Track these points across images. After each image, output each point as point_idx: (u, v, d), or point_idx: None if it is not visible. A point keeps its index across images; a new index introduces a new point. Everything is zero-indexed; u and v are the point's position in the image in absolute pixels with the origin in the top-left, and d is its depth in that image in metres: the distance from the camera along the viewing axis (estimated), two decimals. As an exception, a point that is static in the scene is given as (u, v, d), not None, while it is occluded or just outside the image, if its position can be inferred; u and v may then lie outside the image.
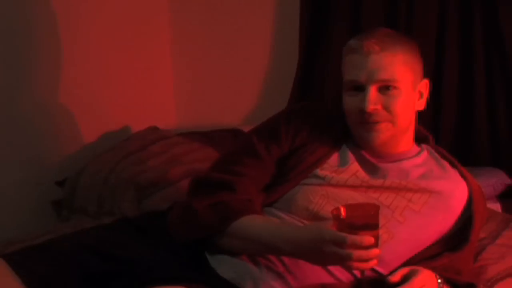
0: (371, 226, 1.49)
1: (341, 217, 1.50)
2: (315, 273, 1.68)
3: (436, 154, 1.86)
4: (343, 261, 1.50)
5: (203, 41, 3.17)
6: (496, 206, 2.45)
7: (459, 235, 1.77)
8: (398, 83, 1.72)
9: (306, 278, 1.69)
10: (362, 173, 1.78)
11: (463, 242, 1.76)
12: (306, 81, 2.95)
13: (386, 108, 1.72)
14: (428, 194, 1.76)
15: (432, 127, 2.65)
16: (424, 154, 1.84)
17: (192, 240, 1.71)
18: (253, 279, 1.68)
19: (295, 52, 2.94)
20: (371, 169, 1.79)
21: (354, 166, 1.78)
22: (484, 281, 1.85)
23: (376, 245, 1.49)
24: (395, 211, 1.74)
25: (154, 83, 3.13)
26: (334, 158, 1.79)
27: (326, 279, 1.70)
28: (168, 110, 3.19)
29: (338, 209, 1.51)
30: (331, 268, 1.69)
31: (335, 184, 1.75)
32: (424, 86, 1.81)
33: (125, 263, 1.66)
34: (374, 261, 1.50)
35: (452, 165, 1.84)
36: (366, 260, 1.49)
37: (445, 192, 1.77)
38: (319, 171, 1.77)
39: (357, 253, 1.47)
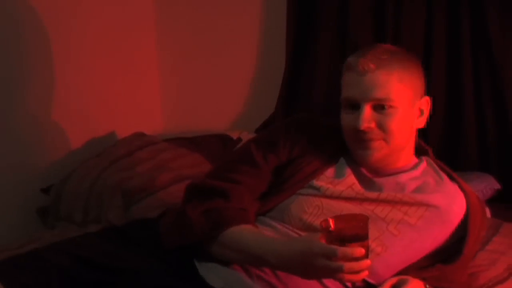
0: (361, 237, 1.48)
1: (330, 229, 1.49)
2: (307, 284, 1.66)
3: (436, 166, 1.85)
4: (335, 273, 1.49)
5: (189, 46, 3.16)
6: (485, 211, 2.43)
7: (453, 248, 1.76)
8: (394, 102, 1.71)
9: (297, 287, 1.66)
10: (357, 186, 1.77)
11: (456, 255, 1.75)
12: (294, 86, 2.94)
13: (380, 126, 1.72)
14: (425, 208, 1.75)
15: (419, 131, 2.63)
16: (423, 166, 1.83)
17: (182, 246, 1.70)
18: (243, 287, 1.66)
19: (282, 56, 2.93)
20: (367, 183, 1.79)
21: (350, 179, 1.78)
22: None
23: (366, 255, 1.48)
24: (390, 223, 1.73)
25: (140, 88, 3.12)
26: (330, 171, 1.79)
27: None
28: (155, 115, 3.18)
29: (326, 221, 1.50)
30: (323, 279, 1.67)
31: (330, 195, 1.75)
32: (424, 103, 1.80)
33: (113, 272, 1.64)
34: (366, 272, 1.49)
35: (451, 178, 1.83)
36: (358, 272, 1.48)
37: (443, 206, 1.76)
38: (315, 182, 1.77)
39: (348, 265, 1.46)
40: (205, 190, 1.75)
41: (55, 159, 2.76)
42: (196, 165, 2.60)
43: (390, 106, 1.71)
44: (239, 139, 2.83)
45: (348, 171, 1.79)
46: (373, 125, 1.71)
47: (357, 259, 1.46)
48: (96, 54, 2.89)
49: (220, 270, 1.68)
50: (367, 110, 1.70)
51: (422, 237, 1.74)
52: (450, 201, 1.78)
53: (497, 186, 2.50)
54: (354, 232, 1.48)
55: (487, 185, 2.48)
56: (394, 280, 1.67)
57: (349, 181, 1.77)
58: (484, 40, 2.64)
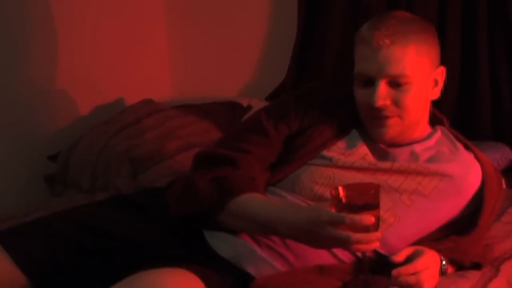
0: (372, 206, 1.45)
1: (340, 197, 1.46)
2: (317, 253, 1.64)
3: (451, 136, 1.82)
4: (342, 243, 1.47)
5: (199, 11, 3.13)
6: (500, 182, 2.39)
7: (468, 220, 1.73)
8: (410, 78, 1.68)
9: (308, 257, 1.65)
10: (370, 157, 1.75)
11: (471, 227, 1.72)
12: (305, 53, 2.90)
13: (396, 103, 1.69)
14: (439, 178, 1.73)
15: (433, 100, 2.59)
16: (437, 135, 1.81)
17: (190, 214, 1.68)
18: (253, 258, 1.65)
19: (293, 23, 2.90)
20: (380, 153, 1.76)
21: (363, 149, 1.75)
22: (490, 260, 1.81)
23: (377, 226, 1.45)
24: (403, 194, 1.70)
25: (149, 54, 3.09)
26: (342, 142, 1.76)
27: (328, 259, 1.67)
28: (163, 82, 3.15)
29: (336, 189, 1.47)
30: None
31: (341, 166, 1.72)
32: (440, 73, 1.77)
33: (120, 241, 1.64)
34: (376, 243, 1.47)
35: (466, 147, 1.80)
36: (367, 242, 1.45)
37: (457, 176, 1.73)
38: (326, 152, 1.74)
39: (357, 235, 1.44)
40: (214, 159, 1.73)
41: (62, 126, 2.75)
42: (205, 133, 2.58)
43: (406, 83, 1.67)
44: (249, 107, 2.80)
45: (360, 142, 1.76)
46: (388, 102, 1.68)
47: (367, 228, 1.43)
48: (102, 18, 2.87)
49: (229, 240, 1.67)
50: (382, 87, 1.67)
51: (437, 208, 1.72)
52: (466, 171, 1.75)
53: (512, 156, 2.45)
54: (364, 201, 1.45)
55: (502, 155, 2.44)
56: (410, 250, 1.63)
57: (362, 152, 1.74)
58: (501, 3, 2.58)
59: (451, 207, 1.73)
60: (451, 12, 2.64)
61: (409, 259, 1.62)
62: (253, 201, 1.63)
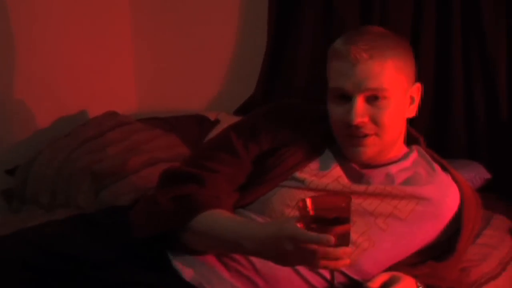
0: (342, 220, 1.39)
1: (308, 209, 1.39)
2: (287, 278, 1.59)
3: (427, 156, 1.78)
4: (308, 260, 1.41)
5: (166, 20, 3.10)
6: (475, 202, 2.35)
7: (445, 244, 1.70)
8: (388, 93, 1.64)
9: (278, 283, 1.60)
10: (344, 179, 1.70)
11: (449, 252, 1.68)
12: (275, 66, 2.87)
13: (374, 120, 1.64)
14: (416, 201, 1.68)
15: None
16: (413, 156, 1.76)
17: (154, 235, 1.62)
18: (220, 283, 1.59)
19: (263, 35, 2.87)
20: (355, 175, 1.71)
21: (336, 171, 1.70)
22: (467, 285, 1.78)
23: (347, 242, 1.39)
24: (378, 217, 1.66)
25: (114, 64, 3.05)
26: (315, 162, 1.71)
27: (298, 284, 1.61)
28: (128, 93, 3.12)
29: (304, 201, 1.40)
30: (303, 272, 1.60)
31: (314, 188, 1.66)
32: (416, 90, 1.74)
33: (81, 265, 1.58)
34: (346, 261, 1.40)
35: (443, 168, 1.76)
36: (334, 258, 1.38)
37: (435, 199, 1.69)
38: (299, 174, 1.68)
39: (323, 249, 1.37)
40: (179, 177, 1.68)
41: (20, 138, 2.70)
42: (171, 147, 2.55)
43: (384, 97, 1.63)
44: (217, 121, 2.77)
45: (334, 163, 1.71)
46: (366, 119, 1.64)
47: (334, 245, 1.37)
48: (65, 23, 2.82)
49: (195, 263, 1.61)
50: (359, 103, 1.63)
51: (413, 232, 1.67)
52: (443, 194, 1.71)
53: (487, 175, 2.43)
54: (334, 214, 1.38)
55: (477, 174, 2.41)
56: (385, 276, 1.59)
57: (335, 174, 1.70)
58: (475, 21, 2.56)
59: (427, 231, 1.69)
60: (425, 25, 2.61)
61: (384, 286, 1.57)
62: (217, 218, 1.58)
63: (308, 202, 1.40)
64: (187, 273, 1.59)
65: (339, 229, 1.37)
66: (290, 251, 1.41)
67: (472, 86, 2.58)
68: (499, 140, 2.54)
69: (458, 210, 1.70)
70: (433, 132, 2.61)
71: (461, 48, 2.57)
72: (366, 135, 1.65)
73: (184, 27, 3.06)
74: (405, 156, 1.74)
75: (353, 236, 1.55)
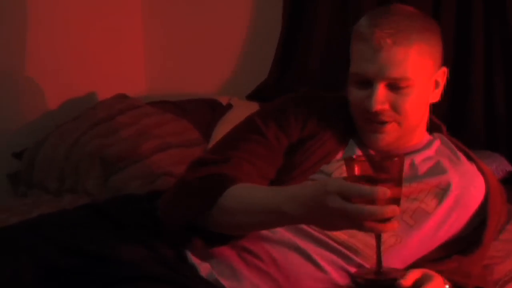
0: (394, 181, 1.29)
1: (355, 168, 1.29)
2: (309, 273, 1.53)
3: (451, 145, 1.73)
4: (353, 219, 1.28)
5: (178, 0, 3.07)
6: (496, 195, 2.30)
7: (471, 237, 1.64)
8: (411, 81, 1.58)
9: (299, 280, 1.54)
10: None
11: (475, 245, 1.63)
12: (289, 50, 2.83)
13: (394, 108, 1.59)
14: (442, 193, 1.63)
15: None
16: (436, 144, 1.71)
17: (185, 222, 1.52)
18: (238, 279, 1.53)
19: (278, 17, 2.84)
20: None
21: None
22: (491, 283, 1.72)
23: (397, 204, 1.28)
24: (404, 212, 1.59)
25: (123, 46, 3.03)
26: (341, 154, 1.65)
27: (320, 279, 1.55)
28: (138, 76, 3.09)
29: (351, 159, 1.31)
30: (327, 267, 1.54)
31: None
32: (441, 74, 1.67)
33: (94, 259, 1.51)
34: (394, 224, 1.30)
35: (468, 157, 1.71)
36: (383, 220, 1.28)
37: (460, 189, 1.64)
38: (328, 167, 1.62)
39: (370, 208, 1.26)
40: (207, 161, 1.59)
41: (28, 120, 2.69)
42: (182, 133, 2.53)
43: (407, 86, 1.58)
44: (229, 105, 2.73)
45: (358, 153, 1.65)
46: (386, 106, 1.58)
47: (382, 201, 1.25)
48: (76, 9, 2.80)
49: (212, 259, 1.55)
50: (381, 90, 1.57)
51: (440, 225, 1.62)
52: (468, 183, 1.65)
53: (509, 167, 2.38)
54: (384, 175, 1.28)
55: (498, 165, 2.36)
56: (418, 274, 1.51)
57: None
58: (498, 7, 2.50)
59: (453, 223, 1.63)
60: (446, 6, 2.56)
61: (416, 284, 1.49)
62: (250, 189, 1.49)
63: (357, 160, 1.32)
64: (204, 269, 1.54)
65: (391, 191, 1.26)
66: (336, 209, 1.29)
67: (492, 76, 2.53)
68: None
69: (484, 201, 1.65)
70: (451, 123, 2.52)
71: (482, 36, 2.52)
72: (385, 122, 1.60)
73: (196, 8, 3.04)
74: (428, 144, 1.69)
75: None
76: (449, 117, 2.58)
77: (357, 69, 1.59)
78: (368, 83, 1.58)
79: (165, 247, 1.55)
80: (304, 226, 1.55)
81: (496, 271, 1.78)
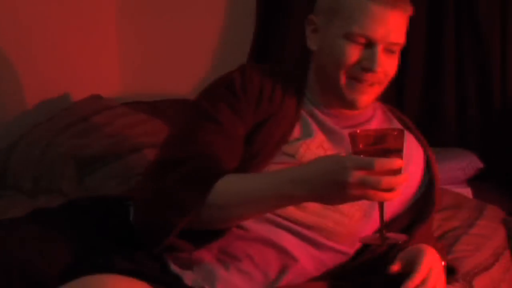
0: (395, 151, 1.35)
1: (357, 139, 1.35)
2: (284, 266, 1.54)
3: (390, 115, 1.74)
4: (370, 190, 1.32)
5: (152, 1, 3.07)
6: (467, 191, 2.37)
7: (423, 202, 1.68)
8: (400, 47, 1.61)
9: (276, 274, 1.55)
10: (327, 143, 1.63)
11: (429, 207, 1.67)
12: (263, 49, 2.86)
13: (385, 71, 1.60)
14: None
15: (395, 100, 2.53)
16: (379, 115, 1.71)
17: (170, 234, 1.47)
18: (219, 282, 1.52)
19: (251, 15, 2.87)
20: (334, 137, 1.64)
21: (319, 135, 1.62)
22: (461, 275, 1.75)
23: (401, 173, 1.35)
24: None
25: (97, 46, 3.01)
26: (297, 129, 1.62)
27: (297, 272, 1.56)
28: (112, 76, 3.08)
29: (354, 135, 1.36)
30: (300, 256, 1.54)
31: (307, 161, 1.54)
32: None
33: (79, 259, 1.48)
34: (398, 192, 1.34)
35: (407, 127, 1.72)
36: (396, 186, 1.33)
37: (409, 149, 1.63)
38: (288, 148, 1.59)
39: (387, 179, 1.31)
40: (172, 162, 1.53)
41: (2, 121, 2.62)
42: (156, 133, 2.49)
43: (396, 52, 1.61)
44: None
45: (313, 127, 1.63)
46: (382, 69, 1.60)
47: (394, 173, 1.32)
48: (48, 6, 2.75)
49: (192, 265, 1.53)
50: (382, 53, 1.58)
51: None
52: (408, 153, 1.62)
53: (479, 164, 2.40)
54: (387, 145, 1.34)
55: (469, 163, 2.40)
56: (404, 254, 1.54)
57: (319, 139, 1.62)
58: (469, 5, 2.56)
59: (410, 178, 1.60)
60: (417, 12, 2.56)
61: (408, 263, 1.52)
62: (243, 177, 1.48)
63: (359, 135, 1.36)
64: (187, 277, 1.51)
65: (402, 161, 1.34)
66: (352, 183, 1.32)
67: (464, 73, 2.57)
68: (492, 129, 2.52)
69: (426, 168, 1.69)
70: (424, 121, 2.59)
71: (454, 34, 2.56)
72: (374, 83, 1.59)
73: (170, 9, 3.02)
74: (373, 116, 1.70)
75: (345, 207, 1.53)
76: (422, 116, 2.62)
77: (362, 30, 1.56)
78: (367, 44, 1.57)
79: (145, 258, 1.50)
80: (277, 218, 1.54)
81: (466, 264, 1.81)
